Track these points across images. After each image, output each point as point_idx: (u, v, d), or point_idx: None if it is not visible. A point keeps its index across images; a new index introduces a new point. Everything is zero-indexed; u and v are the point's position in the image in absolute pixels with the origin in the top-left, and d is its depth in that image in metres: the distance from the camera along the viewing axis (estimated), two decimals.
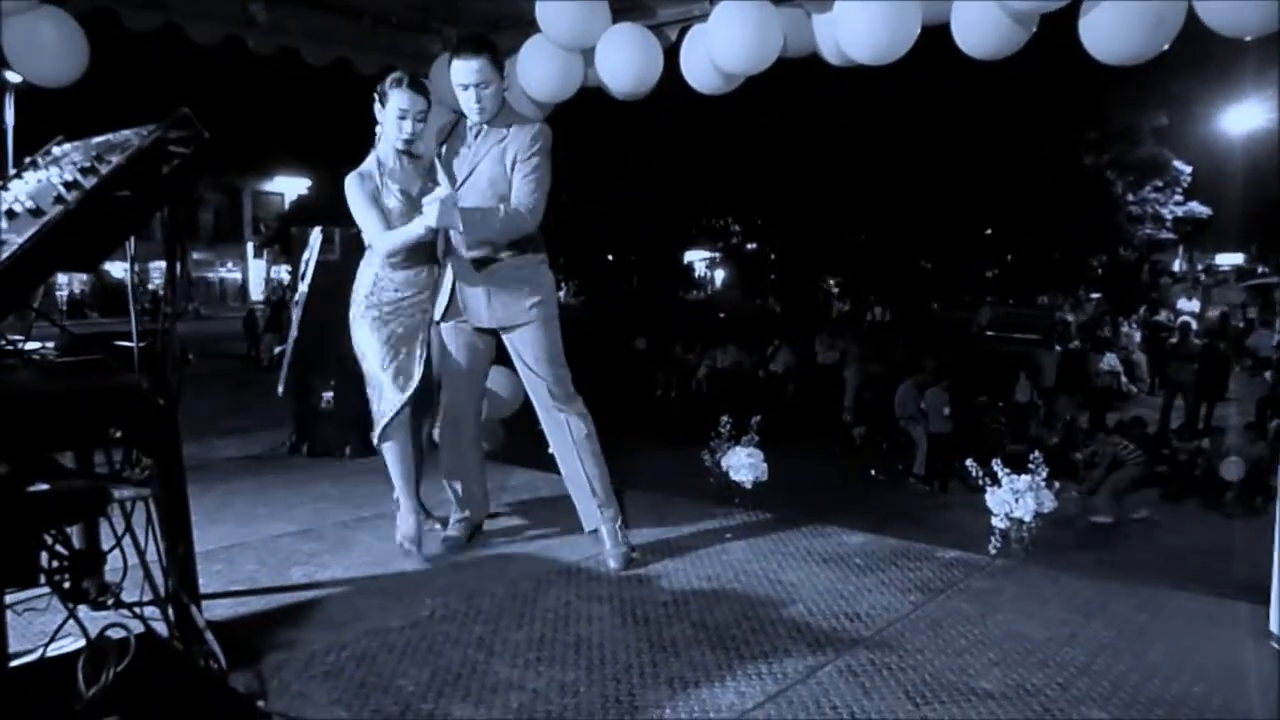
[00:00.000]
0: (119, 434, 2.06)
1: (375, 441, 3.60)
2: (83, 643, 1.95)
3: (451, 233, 3.41)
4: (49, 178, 2.11)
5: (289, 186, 39.41)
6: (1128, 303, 23.23)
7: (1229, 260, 33.07)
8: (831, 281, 28.63)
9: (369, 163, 3.49)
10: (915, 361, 12.03)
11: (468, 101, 3.43)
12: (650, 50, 4.21)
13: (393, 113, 3.42)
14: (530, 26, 4.26)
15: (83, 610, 2.07)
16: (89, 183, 2.04)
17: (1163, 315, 20.57)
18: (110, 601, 2.10)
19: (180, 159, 2.14)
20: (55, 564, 2.05)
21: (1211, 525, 8.84)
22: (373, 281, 3.50)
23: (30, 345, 2.24)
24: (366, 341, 3.51)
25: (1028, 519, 3.85)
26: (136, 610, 2.11)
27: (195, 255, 37.48)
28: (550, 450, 3.74)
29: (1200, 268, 33.69)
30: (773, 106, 17.46)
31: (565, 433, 3.61)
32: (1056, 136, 20.72)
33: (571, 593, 3.30)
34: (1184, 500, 9.62)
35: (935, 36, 3.67)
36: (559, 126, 3.77)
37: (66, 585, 2.07)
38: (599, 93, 4.53)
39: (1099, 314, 22.09)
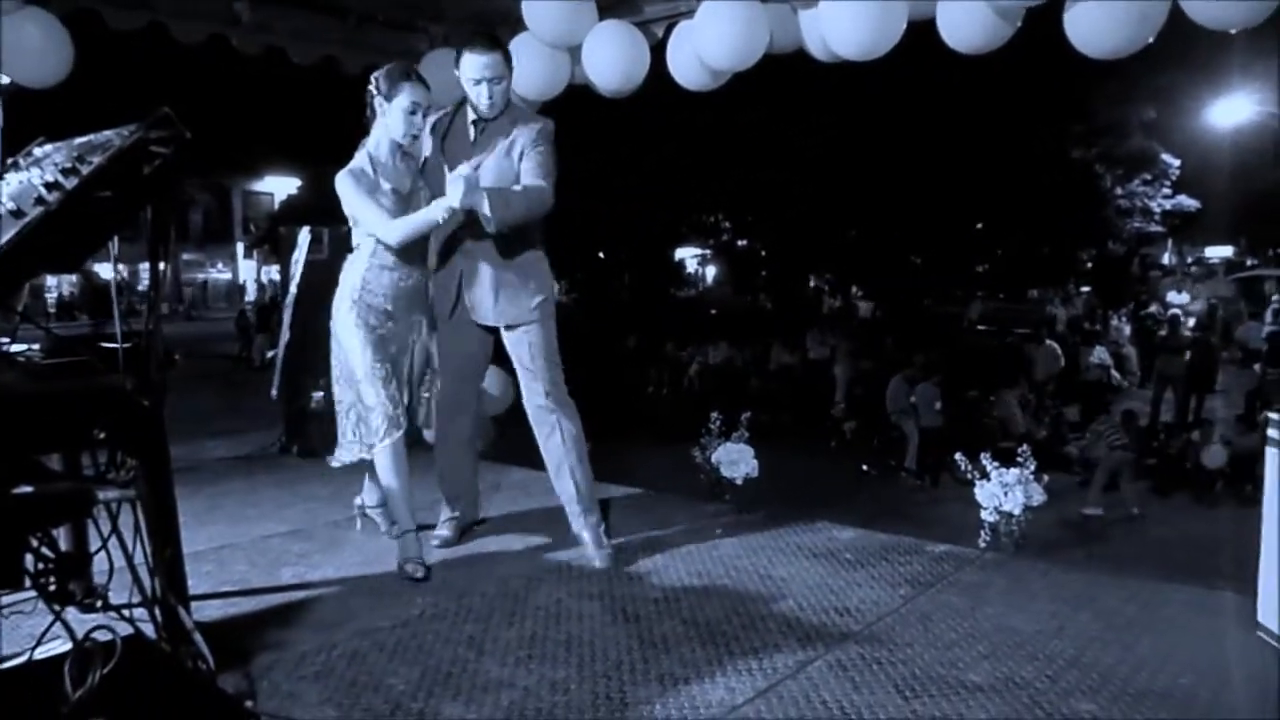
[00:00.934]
0: (103, 435, 2.05)
1: (359, 451, 3.40)
2: (70, 645, 1.94)
3: (478, 213, 3.23)
4: (30, 179, 2.09)
5: (279, 186, 39.14)
6: (1117, 296, 23.31)
7: (1218, 253, 33.15)
8: (826, 277, 28.65)
9: (360, 159, 3.39)
10: (906, 357, 12.06)
11: (479, 96, 3.41)
12: (637, 47, 4.22)
13: (403, 106, 3.32)
14: (517, 24, 4.26)
15: (70, 613, 2.06)
16: (70, 183, 2.03)
17: (1153, 308, 20.63)
18: (98, 604, 2.09)
19: (161, 159, 2.13)
20: (41, 566, 2.05)
21: (1200, 517, 8.88)
22: (360, 284, 3.39)
23: (16, 348, 2.23)
24: (351, 341, 3.37)
25: (1017, 513, 3.88)
26: (124, 612, 2.11)
27: (185, 256, 37.28)
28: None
29: (1189, 260, 33.82)
30: (761, 103, 17.44)
31: (555, 432, 3.60)
32: (1045, 131, 20.74)
33: (562, 590, 3.30)
34: (1173, 494, 9.66)
35: (922, 31, 3.68)
36: None
37: (53, 588, 2.06)
38: (587, 90, 4.53)
39: (1089, 308, 22.18)
